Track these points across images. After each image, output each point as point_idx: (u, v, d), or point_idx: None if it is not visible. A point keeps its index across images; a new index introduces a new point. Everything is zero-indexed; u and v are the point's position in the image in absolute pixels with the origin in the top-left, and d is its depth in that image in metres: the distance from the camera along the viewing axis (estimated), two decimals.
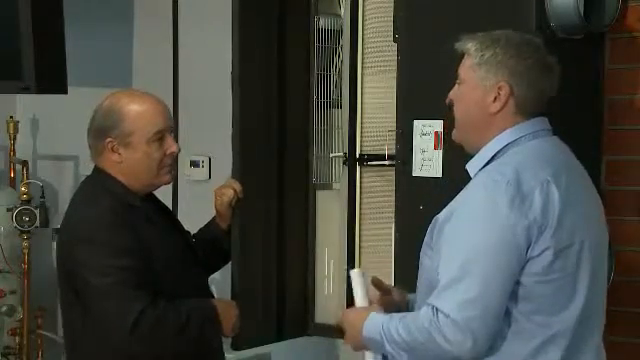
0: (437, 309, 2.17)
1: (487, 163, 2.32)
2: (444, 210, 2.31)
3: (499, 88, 2.29)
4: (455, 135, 2.42)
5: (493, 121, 2.31)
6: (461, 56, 2.36)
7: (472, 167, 2.35)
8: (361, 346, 2.37)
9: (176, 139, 2.87)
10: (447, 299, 2.18)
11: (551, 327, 2.22)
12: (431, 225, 2.33)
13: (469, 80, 2.33)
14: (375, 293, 2.54)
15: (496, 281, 2.17)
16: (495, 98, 2.30)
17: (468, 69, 2.34)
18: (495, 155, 2.31)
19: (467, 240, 2.20)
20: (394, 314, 2.31)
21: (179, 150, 2.83)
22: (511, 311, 2.21)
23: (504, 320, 2.21)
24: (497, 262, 2.17)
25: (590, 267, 2.25)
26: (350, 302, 3.35)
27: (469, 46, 2.34)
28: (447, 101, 2.41)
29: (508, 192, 2.18)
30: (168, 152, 2.79)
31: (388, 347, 2.27)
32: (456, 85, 2.38)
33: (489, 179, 2.25)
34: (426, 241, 2.35)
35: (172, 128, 2.85)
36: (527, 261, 2.19)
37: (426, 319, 2.19)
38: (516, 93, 2.29)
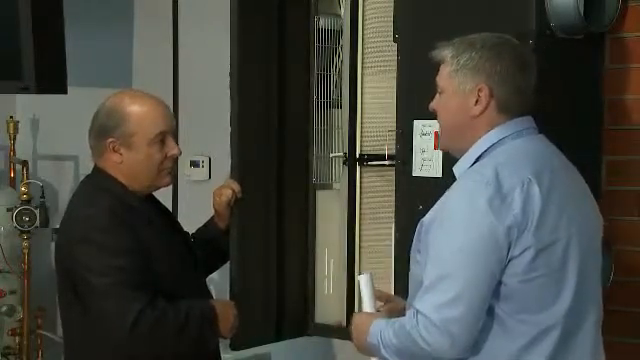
0: (417, 311, 2.20)
1: (472, 164, 2.32)
2: (429, 213, 2.32)
3: (479, 90, 2.30)
4: (441, 143, 2.44)
5: (477, 124, 2.32)
6: (438, 65, 2.37)
7: (458, 169, 2.36)
8: (368, 352, 2.40)
9: (176, 138, 2.87)
10: (426, 301, 2.20)
11: (537, 325, 2.22)
12: (417, 229, 2.34)
13: (448, 88, 2.35)
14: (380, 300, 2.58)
15: (475, 282, 2.18)
16: (476, 101, 2.30)
17: (446, 77, 2.35)
18: (480, 156, 2.31)
19: (447, 242, 2.21)
20: (392, 319, 2.33)
21: (180, 153, 2.84)
22: (496, 310, 2.22)
23: (490, 319, 2.22)
24: (476, 263, 2.18)
25: (578, 264, 2.25)
26: (350, 303, 3.38)
27: (445, 54, 2.35)
28: (430, 110, 2.43)
29: (487, 193, 2.18)
30: (169, 154, 2.79)
31: (383, 351, 2.30)
32: (437, 95, 2.39)
33: (469, 180, 2.26)
34: (414, 246, 2.36)
35: (174, 131, 2.85)
36: (509, 261, 2.19)
37: (408, 322, 2.22)
38: (496, 94, 2.29)
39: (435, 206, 2.31)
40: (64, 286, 2.76)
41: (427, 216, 2.32)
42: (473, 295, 2.18)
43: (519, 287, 2.20)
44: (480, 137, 2.32)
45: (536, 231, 2.19)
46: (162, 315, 2.65)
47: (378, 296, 2.59)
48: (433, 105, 2.41)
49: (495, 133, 2.31)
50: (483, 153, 2.31)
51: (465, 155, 2.34)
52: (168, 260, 2.76)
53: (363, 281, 2.55)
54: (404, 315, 2.37)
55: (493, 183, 2.19)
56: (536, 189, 2.21)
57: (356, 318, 2.50)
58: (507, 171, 2.22)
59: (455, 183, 2.31)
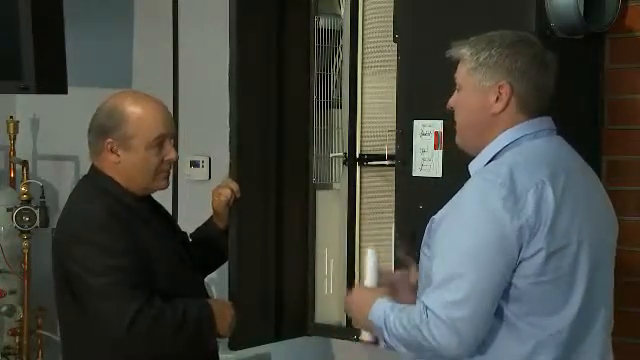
0: (427, 307, 2.19)
1: (488, 163, 2.31)
2: (441, 210, 2.31)
3: (499, 87, 2.28)
4: (458, 140, 2.42)
5: (496, 121, 2.31)
6: (456, 63, 2.36)
7: (473, 167, 2.35)
8: (365, 327, 2.41)
9: (176, 141, 2.86)
10: (437, 298, 2.19)
11: (546, 328, 2.22)
12: (428, 225, 2.34)
13: (467, 85, 2.33)
14: (387, 278, 2.57)
15: (485, 282, 2.17)
16: (497, 98, 2.29)
17: (465, 75, 2.33)
18: (496, 155, 2.30)
19: (458, 240, 2.21)
20: (397, 304, 2.32)
21: (177, 157, 2.84)
22: (505, 312, 2.21)
23: (499, 321, 2.21)
24: (487, 263, 2.17)
25: (588, 268, 2.25)
26: None
27: (463, 51, 2.33)
28: (448, 108, 2.42)
29: (501, 193, 2.17)
30: (166, 158, 2.79)
31: (387, 336, 2.29)
32: (455, 92, 2.38)
33: (483, 179, 2.25)
34: (424, 241, 2.35)
35: (173, 135, 2.84)
36: (519, 262, 2.18)
37: (418, 316, 2.21)
38: (517, 91, 2.29)
39: (448, 203, 2.30)
40: (62, 286, 2.77)
41: (439, 213, 2.31)
42: (483, 295, 2.17)
43: (529, 289, 2.20)
44: (496, 136, 2.31)
45: (548, 234, 2.18)
46: (160, 314, 2.65)
47: (385, 272, 2.58)
48: (451, 103, 2.40)
49: (512, 132, 2.30)
50: (499, 152, 2.30)
51: (481, 153, 2.33)
52: (165, 260, 2.76)
53: (369, 255, 2.54)
54: (409, 295, 2.39)
55: (507, 183, 2.18)
56: (550, 191, 2.20)
57: (357, 292, 2.50)
58: (522, 172, 2.21)
59: (469, 181, 2.30)
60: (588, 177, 2.39)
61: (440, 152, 2.94)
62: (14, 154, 4.74)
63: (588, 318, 2.27)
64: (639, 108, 3.09)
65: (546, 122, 2.34)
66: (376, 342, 2.38)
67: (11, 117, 4.75)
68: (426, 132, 2.98)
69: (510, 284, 2.20)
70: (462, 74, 2.34)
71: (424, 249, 2.35)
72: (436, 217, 2.31)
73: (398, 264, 3.05)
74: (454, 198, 2.29)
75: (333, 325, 3.45)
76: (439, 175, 2.95)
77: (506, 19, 2.78)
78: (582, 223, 2.25)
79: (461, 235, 2.21)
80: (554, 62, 2.35)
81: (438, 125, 2.94)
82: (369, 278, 2.53)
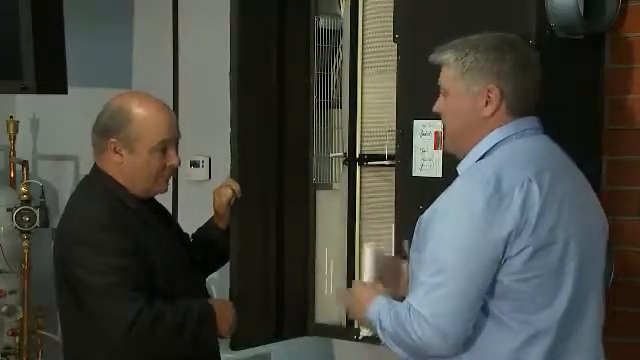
0: (410, 305, 2.21)
1: (476, 162, 2.33)
2: (428, 210, 2.32)
3: (489, 91, 2.30)
4: (447, 145, 2.44)
5: (485, 124, 2.32)
6: (439, 68, 2.36)
7: (461, 167, 2.37)
8: (364, 323, 2.50)
9: (177, 150, 2.85)
10: (420, 297, 2.21)
11: (533, 325, 2.23)
12: (417, 225, 2.35)
13: (454, 91, 2.34)
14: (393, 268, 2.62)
15: (469, 280, 2.19)
16: (487, 102, 2.30)
17: (451, 80, 2.34)
18: (484, 154, 2.32)
19: (444, 239, 2.22)
20: (393, 302, 2.33)
21: (179, 163, 2.83)
22: (492, 309, 2.23)
23: (486, 318, 2.23)
24: (470, 262, 2.19)
25: (576, 265, 2.26)
26: None
27: (447, 57, 2.35)
28: (435, 111, 2.43)
29: (486, 192, 2.19)
30: (168, 164, 2.79)
31: (380, 332, 2.31)
32: (440, 97, 2.39)
33: (469, 178, 2.27)
34: (413, 242, 2.36)
35: (177, 139, 2.84)
36: (505, 260, 2.20)
37: (403, 314, 2.23)
38: (506, 94, 2.30)
39: (435, 203, 2.31)
40: (63, 287, 2.77)
41: (425, 213, 2.32)
42: (466, 293, 2.19)
43: (515, 286, 2.21)
44: (484, 136, 2.32)
45: (534, 231, 2.19)
46: (160, 315, 2.65)
47: (388, 264, 2.63)
48: (437, 108, 2.41)
49: (500, 132, 2.31)
50: (486, 152, 2.31)
51: (470, 153, 2.34)
52: (166, 260, 2.77)
53: (367, 252, 2.62)
54: (395, 281, 2.47)
55: (493, 182, 2.20)
56: (535, 189, 2.21)
57: (356, 287, 2.54)
58: (508, 171, 2.22)
59: (455, 180, 2.31)
60: (575, 176, 2.40)
61: (440, 152, 2.94)
62: (14, 154, 4.74)
63: (577, 315, 2.28)
64: (639, 108, 3.10)
65: (532, 121, 2.36)
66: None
67: (11, 117, 4.75)
68: (426, 132, 2.98)
69: (496, 281, 2.22)
70: (448, 79, 2.35)
71: (413, 253, 2.36)
72: (424, 217, 2.33)
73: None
74: (441, 197, 2.31)
75: (333, 325, 3.45)
76: (439, 175, 2.95)
77: (506, 19, 2.78)
78: (569, 221, 2.26)
79: (446, 234, 2.22)
80: (538, 62, 2.36)
81: (438, 125, 2.93)
82: (367, 273, 2.58)
